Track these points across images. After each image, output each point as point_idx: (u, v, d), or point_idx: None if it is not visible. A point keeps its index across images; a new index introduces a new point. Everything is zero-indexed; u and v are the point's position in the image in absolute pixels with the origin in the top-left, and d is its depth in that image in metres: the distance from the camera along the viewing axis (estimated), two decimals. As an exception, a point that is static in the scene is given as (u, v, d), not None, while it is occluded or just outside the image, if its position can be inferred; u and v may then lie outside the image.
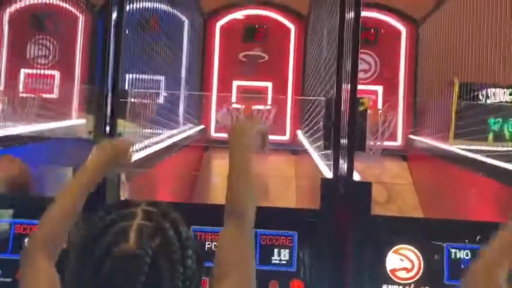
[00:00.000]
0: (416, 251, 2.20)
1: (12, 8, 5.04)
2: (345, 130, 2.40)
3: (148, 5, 3.51)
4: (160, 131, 4.01)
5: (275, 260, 2.23)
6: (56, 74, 5.50)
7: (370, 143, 4.64)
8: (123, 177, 2.37)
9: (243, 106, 6.11)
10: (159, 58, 3.96)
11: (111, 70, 2.34)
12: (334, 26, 3.06)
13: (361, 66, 5.61)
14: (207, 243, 2.24)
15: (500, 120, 4.67)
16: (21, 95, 4.66)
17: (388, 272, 2.19)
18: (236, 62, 6.66)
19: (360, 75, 2.42)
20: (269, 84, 6.66)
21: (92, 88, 2.76)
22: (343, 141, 2.42)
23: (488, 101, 4.73)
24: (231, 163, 1.25)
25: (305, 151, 4.91)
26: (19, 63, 5.02)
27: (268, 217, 2.35)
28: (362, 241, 2.17)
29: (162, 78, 4.33)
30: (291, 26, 6.80)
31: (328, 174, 2.67)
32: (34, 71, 5.17)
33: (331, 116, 2.48)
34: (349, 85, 2.39)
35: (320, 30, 4.79)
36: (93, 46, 6.01)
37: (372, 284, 2.16)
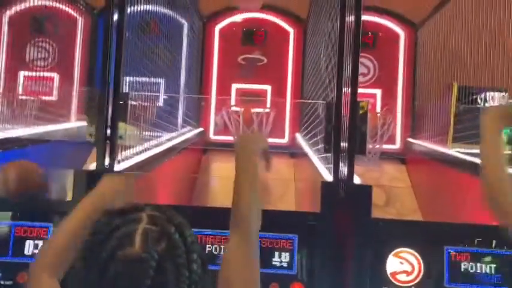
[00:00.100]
0: (416, 254, 2.21)
1: (12, 10, 5.03)
2: (345, 133, 2.41)
3: (148, 7, 3.51)
4: (160, 134, 4.02)
5: (275, 263, 2.23)
6: (55, 76, 5.50)
7: (369, 146, 4.64)
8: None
9: (242, 109, 6.12)
10: (158, 61, 3.97)
11: (112, 73, 2.34)
12: (334, 29, 3.08)
13: (360, 69, 5.61)
14: (207, 245, 2.24)
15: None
16: (20, 97, 4.65)
17: (389, 275, 2.19)
18: (235, 65, 6.67)
19: (359, 78, 2.43)
20: (268, 88, 6.67)
21: (92, 91, 2.77)
22: (344, 144, 2.42)
23: (487, 105, 4.75)
24: (237, 169, 1.29)
25: (304, 154, 4.91)
26: (18, 65, 5.01)
27: (268, 220, 2.36)
28: (362, 244, 2.18)
29: (161, 81, 4.33)
30: (290, 30, 6.82)
31: (329, 177, 2.68)
32: (33, 74, 5.16)
33: (332, 119, 2.48)
34: (349, 88, 2.40)
35: (319, 34, 4.80)
36: (93, 48, 6.01)
37: (372, 287, 2.17)
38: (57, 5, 5.30)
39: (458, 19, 4.89)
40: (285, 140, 6.61)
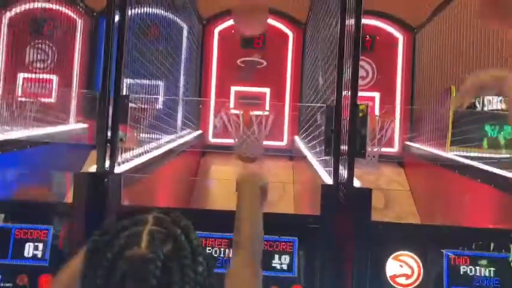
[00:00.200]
0: (416, 257, 2.22)
1: (12, 12, 5.03)
2: (345, 137, 2.41)
3: (148, 10, 3.52)
4: (159, 136, 4.02)
5: (275, 265, 2.24)
6: (54, 78, 5.49)
7: (367, 149, 4.65)
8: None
9: (241, 112, 6.12)
10: (158, 63, 3.97)
11: (113, 75, 2.34)
12: (334, 33, 3.09)
13: (359, 72, 5.62)
14: (207, 248, 2.24)
15: (497, 127, 4.71)
16: (19, 99, 4.64)
17: (388, 278, 2.20)
18: (234, 68, 6.68)
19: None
20: (267, 90, 6.68)
21: (92, 93, 2.77)
22: (343, 147, 2.43)
23: (485, 109, 4.77)
24: (240, 199, 1.39)
25: (302, 157, 4.92)
26: (17, 67, 5.01)
27: (268, 223, 2.36)
28: (362, 247, 2.18)
29: (160, 83, 4.34)
30: (289, 33, 6.84)
31: (328, 180, 2.68)
32: (32, 76, 5.16)
33: (332, 122, 2.49)
34: (349, 92, 2.41)
35: (319, 37, 4.82)
36: (92, 50, 6.02)
37: (372, 290, 2.17)
38: (57, 7, 5.30)
39: (457, 23, 4.92)
40: (283, 143, 6.62)
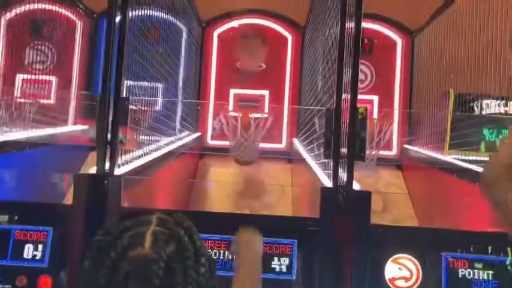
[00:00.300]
0: (415, 260, 2.23)
1: (12, 13, 5.03)
2: (345, 139, 2.42)
3: (148, 12, 3.52)
4: (159, 138, 4.02)
5: (275, 268, 2.24)
6: (54, 79, 5.49)
7: (366, 152, 4.67)
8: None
9: (240, 114, 6.13)
10: (157, 65, 3.98)
11: (113, 77, 2.34)
12: (334, 35, 3.10)
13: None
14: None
15: (495, 131, 4.73)
16: (18, 100, 4.64)
17: (387, 281, 2.21)
18: (233, 70, 6.69)
19: (356, 84, 2.44)
20: (266, 93, 6.69)
21: (92, 95, 2.77)
22: (343, 150, 2.44)
23: (483, 112, 4.79)
24: (239, 260, 1.44)
25: (301, 159, 4.93)
26: (16, 68, 5.00)
27: (268, 225, 2.37)
28: (361, 250, 2.19)
29: (160, 85, 4.34)
30: (288, 36, 6.86)
31: (328, 183, 2.69)
32: (31, 77, 5.15)
33: (331, 125, 2.50)
34: (348, 95, 2.41)
35: (318, 40, 4.83)
36: (92, 52, 6.02)
37: (371, 293, 2.18)
38: (57, 8, 5.30)
39: (455, 27, 4.94)
40: (282, 145, 6.63)
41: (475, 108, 4.82)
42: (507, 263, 2.16)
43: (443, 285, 2.20)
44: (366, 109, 2.38)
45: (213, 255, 2.24)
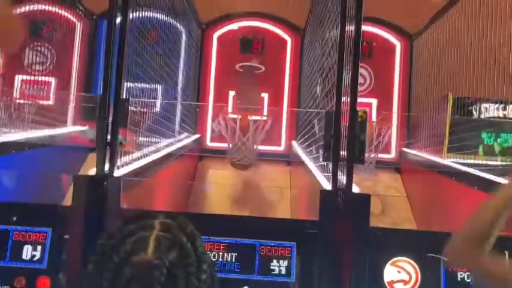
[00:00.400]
0: (413, 263, 2.23)
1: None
2: (344, 142, 2.42)
3: (148, 14, 3.53)
4: (158, 140, 4.02)
5: (274, 270, 2.24)
6: (53, 80, 5.49)
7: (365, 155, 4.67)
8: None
9: (239, 116, 6.14)
10: (157, 67, 3.98)
11: (113, 78, 2.34)
12: (333, 38, 3.11)
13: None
14: (205, 253, 2.25)
15: (493, 134, 4.74)
16: (17, 101, 4.64)
17: (386, 284, 2.21)
18: (233, 73, 6.70)
19: (355, 87, 2.45)
20: (265, 95, 6.70)
21: (92, 96, 2.77)
22: (342, 153, 2.44)
23: (482, 116, 4.80)
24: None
25: (300, 162, 4.93)
26: (15, 69, 5.00)
27: (267, 227, 2.37)
28: (360, 253, 2.19)
29: (159, 87, 4.35)
30: (288, 38, 6.88)
31: (327, 185, 2.69)
32: (31, 77, 5.15)
33: (331, 128, 2.50)
34: (348, 97, 2.42)
35: (317, 43, 4.84)
36: (91, 53, 6.02)
37: (370, 296, 2.18)
38: (56, 9, 5.30)
39: (454, 31, 4.96)
40: (281, 148, 6.64)
41: (474, 112, 4.83)
42: None
43: (442, 288, 2.20)
44: (365, 112, 2.39)
45: (212, 258, 2.24)
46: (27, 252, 2.18)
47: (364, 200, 2.23)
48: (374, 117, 6.45)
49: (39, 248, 2.18)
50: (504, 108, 4.77)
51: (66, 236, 2.18)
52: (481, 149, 4.72)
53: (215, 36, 6.87)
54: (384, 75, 6.61)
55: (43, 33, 5.34)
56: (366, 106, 6.26)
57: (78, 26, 5.88)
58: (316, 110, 4.41)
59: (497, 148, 4.72)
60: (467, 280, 2.21)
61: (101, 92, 2.34)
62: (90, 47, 6.08)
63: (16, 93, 4.87)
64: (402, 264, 2.23)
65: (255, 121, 6.08)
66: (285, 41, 6.87)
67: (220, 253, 2.25)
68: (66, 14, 5.54)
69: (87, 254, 2.06)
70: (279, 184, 5.79)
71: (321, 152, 2.99)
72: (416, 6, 5.67)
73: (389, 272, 2.22)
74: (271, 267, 2.24)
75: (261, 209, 5.23)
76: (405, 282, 2.22)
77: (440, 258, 2.21)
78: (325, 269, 2.23)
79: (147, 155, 3.35)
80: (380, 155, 6.08)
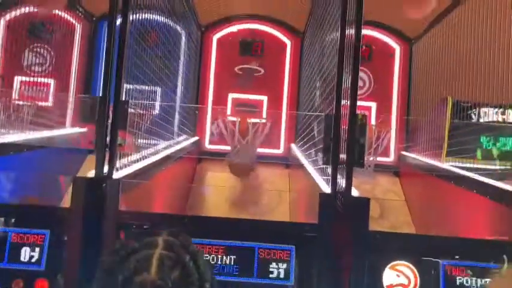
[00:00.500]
0: (412, 267, 2.22)
1: (12, 14, 5.03)
2: (344, 145, 2.42)
3: (148, 16, 3.53)
4: (157, 142, 4.02)
5: (272, 273, 2.24)
6: (52, 82, 5.48)
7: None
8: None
9: (239, 118, 6.14)
10: (156, 69, 3.98)
11: (113, 80, 2.34)
12: (333, 42, 3.11)
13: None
14: (204, 256, 2.24)
15: (492, 139, 4.74)
16: (16, 102, 4.63)
17: (385, 288, 2.20)
18: (232, 75, 6.71)
19: (354, 91, 2.45)
20: (264, 98, 6.71)
21: (91, 98, 2.77)
22: (342, 156, 2.44)
23: (481, 120, 4.81)
24: None
25: (299, 165, 4.93)
26: (14, 70, 5.00)
27: (265, 230, 2.37)
28: (360, 256, 2.18)
29: (158, 89, 4.34)
30: (287, 41, 6.89)
31: (326, 189, 2.69)
32: (30, 79, 5.15)
33: (331, 131, 2.50)
34: (348, 101, 2.41)
35: (317, 46, 4.85)
36: (90, 55, 6.02)
37: (369, 299, 2.17)
38: (56, 11, 5.30)
39: (453, 35, 4.97)
40: (280, 151, 6.64)
41: (473, 116, 4.84)
42: (500, 270, 2.16)
43: (441, 292, 2.19)
44: (365, 116, 2.38)
45: (211, 261, 2.23)
46: (25, 254, 2.17)
47: (363, 203, 2.23)
48: (373, 121, 6.46)
49: (37, 250, 2.17)
50: (503, 113, 4.77)
51: (65, 238, 2.17)
52: (479, 153, 4.73)
53: (215, 38, 6.87)
54: (383, 78, 6.62)
55: (42, 35, 5.34)
56: (365, 109, 6.26)
57: (78, 28, 5.88)
58: (315, 113, 4.41)
59: (495, 152, 4.73)
60: (466, 284, 2.20)
61: (101, 94, 2.34)
62: (89, 48, 6.08)
63: (15, 95, 4.87)
64: (401, 268, 2.23)
65: (254, 124, 6.09)
66: (284, 44, 6.88)
67: (219, 256, 2.24)
68: (65, 15, 5.54)
69: (85, 256, 2.06)
70: (278, 187, 5.79)
71: (320, 155, 2.98)
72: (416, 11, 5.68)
73: (389, 276, 2.21)
74: (270, 270, 2.23)
75: (260, 212, 5.22)
76: (404, 286, 2.21)
77: (438, 262, 2.21)
78: (324, 273, 2.22)
79: (146, 157, 3.35)
80: (379, 159, 6.09)
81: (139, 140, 3.29)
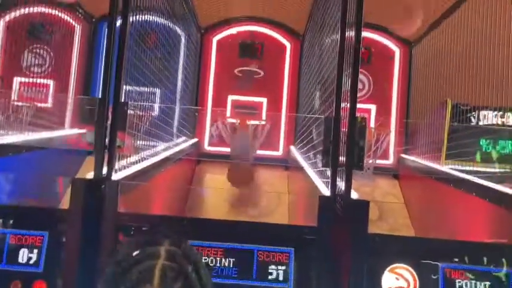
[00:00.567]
0: (412, 270, 2.22)
1: (12, 15, 5.03)
2: (343, 148, 2.42)
3: (148, 18, 3.53)
4: (156, 144, 4.01)
5: (271, 276, 2.23)
6: (51, 83, 5.48)
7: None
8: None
9: (238, 120, 6.14)
10: (156, 71, 3.98)
11: (113, 82, 2.34)
12: (333, 44, 3.11)
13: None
14: (202, 258, 2.23)
15: (491, 142, 4.74)
16: (15, 103, 4.63)
17: (384, 291, 2.20)
18: (232, 77, 6.71)
19: (354, 93, 2.44)
20: (264, 100, 6.71)
21: (90, 99, 2.76)
22: (341, 158, 2.43)
23: (480, 123, 4.81)
24: None
25: (298, 167, 4.93)
26: (14, 71, 5.00)
27: (264, 233, 2.36)
28: (359, 259, 2.18)
29: (157, 91, 4.34)
30: (287, 44, 6.89)
31: (326, 191, 2.68)
32: (29, 80, 5.14)
33: (330, 133, 2.50)
34: (348, 103, 2.41)
35: (316, 48, 4.85)
36: (90, 56, 6.02)
37: (368, 303, 2.16)
38: (56, 12, 5.30)
39: (453, 38, 4.97)
40: (279, 153, 6.63)
41: (472, 119, 4.84)
42: (501, 274, 2.16)
43: (440, 295, 2.19)
44: (364, 118, 2.38)
45: (210, 263, 2.22)
46: (23, 255, 2.16)
47: (362, 206, 2.22)
48: (373, 123, 6.46)
49: (35, 251, 2.16)
50: (502, 116, 4.78)
51: (63, 240, 2.16)
52: (478, 156, 4.73)
53: (214, 40, 6.88)
54: (382, 81, 6.62)
55: (42, 36, 5.34)
56: (364, 112, 6.27)
57: (78, 29, 5.88)
58: (315, 115, 4.41)
59: (495, 155, 4.73)
60: (466, 287, 2.20)
61: (100, 95, 2.33)
62: (89, 50, 6.08)
63: (14, 95, 4.86)
64: (400, 271, 2.22)
65: (254, 125, 6.08)
66: (284, 46, 6.89)
67: (218, 258, 2.24)
68: (65, 16, 5.54)
69: (84, 258, 2.05)
70: (277, 189, 5.78)
71: (319, 157, 2.98)
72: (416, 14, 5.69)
73: (388, 279, 2.21)
74: (269, 273, 2.23)
75: (259, 214, 5.22)
76: (403, 289, 2.21)
77: (438, 265, 2.20)
78: (323, 275, 2.22)
79: (145, 159, 3.34)
80: (378, 161, 6.08)
81: (138, 142, 3.29)
